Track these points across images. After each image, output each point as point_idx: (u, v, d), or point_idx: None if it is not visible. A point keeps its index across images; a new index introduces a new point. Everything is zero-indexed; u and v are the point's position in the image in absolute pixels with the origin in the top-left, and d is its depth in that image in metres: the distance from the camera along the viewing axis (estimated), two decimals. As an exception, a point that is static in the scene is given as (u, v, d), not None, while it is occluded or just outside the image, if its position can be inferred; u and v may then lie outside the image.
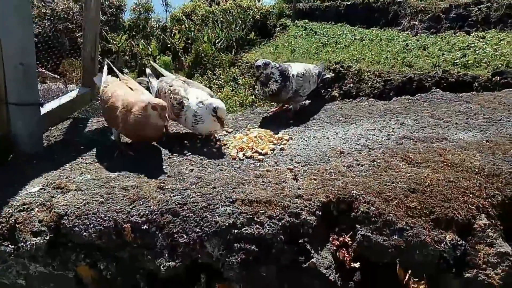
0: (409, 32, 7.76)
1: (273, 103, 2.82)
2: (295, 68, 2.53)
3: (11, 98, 1.90)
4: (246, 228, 1.45)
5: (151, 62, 2.35)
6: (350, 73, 5.97)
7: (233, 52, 8.62)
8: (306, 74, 2.55)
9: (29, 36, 1.92)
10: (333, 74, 5.51)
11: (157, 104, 1.83)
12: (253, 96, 6.14)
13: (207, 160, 1.91)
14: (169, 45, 9.61)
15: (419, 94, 2.91)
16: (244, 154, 1.97)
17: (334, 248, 1.51)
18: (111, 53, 9.74)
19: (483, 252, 1.48)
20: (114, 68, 2.31)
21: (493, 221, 1.55)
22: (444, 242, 1.47)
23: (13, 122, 1.93)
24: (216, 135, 2.18)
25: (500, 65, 5.18)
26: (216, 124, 2.02)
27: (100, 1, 2.96)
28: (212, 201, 1.53)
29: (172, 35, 9.67)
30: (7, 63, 1.85)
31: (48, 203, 1.56)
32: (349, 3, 9.21)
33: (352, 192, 1.60)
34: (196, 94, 2.09)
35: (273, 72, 2.37)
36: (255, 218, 1.47)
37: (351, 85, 5.92)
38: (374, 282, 1.50)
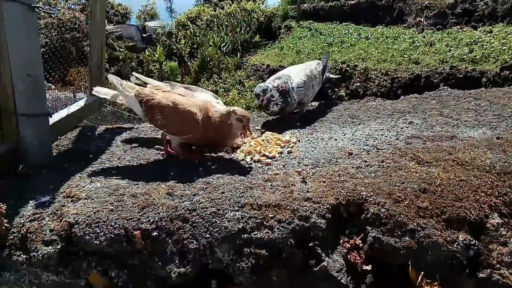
0: (415, 29, 7.70)
1: None
2: (296, 78, 2.50)
3: (20, 109, 1.92)
4: (256, 232, 1.44)
5: (134, 73, 2.33)
6: (357, 72, 5.94)
7: (238, 55, 8.65)
8: (307, 81, 2.53)
9: (36, 47, 1.94)
10: (338, 75, 5.50)
11: (243, 115, 1.87)
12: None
13: (215, 165, 1.91)
14: (175, 51, 9.67)
15: (427, 92, 2.89)
16: (251, 158, 1.96)
17: (345, 250, 1.49)
18: (117, 60, 9.83)
19: (496, 251, 1.45)
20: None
21: (506, 219, 1.53)
22: (457, 242, 1.45)
23: (23, 133, 1.95)
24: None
25: (508, 59, 5.11)
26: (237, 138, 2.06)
27: (105, 10, 2.99)
28: (221, 206, 1.53)
29: (178, 40, 9.73)
30: (15, 74, 1.87)
31: (58, 212, 1.57)
32: (353, 2, 9.18)
33: (362, 193, 1.58)
34: (205, 98, 2.14)
35: (273, 94, 2.40)
36: (265, 222, 1.46)
37: (358, 84, 5.89)
38: (386, 284, 1.49)
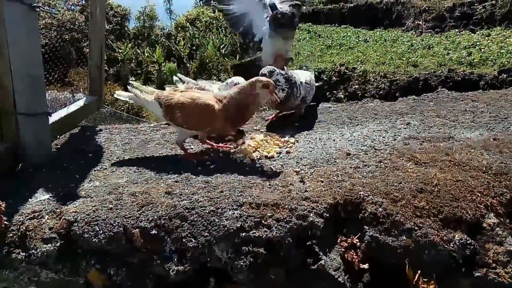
0: (414, 32, 7.75)
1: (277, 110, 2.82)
2: (301, 75, 2.52)
3: (20, 109, 1.93)
4: (254, 231, 1.45)
5: (178, 75, 2.47)
6: (355, 74, 5.97)
7: (237, 57, 8.67)
8: (311, 82, 2.56)
9: (36, 47, 1.96)
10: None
11: (268, 81, 1.92)
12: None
13: (214, 165, 1.92)
14: (174, 52, 9.70)
15: (425, 94, 2.91)
16: (250, 158, 1.97)
17: (343, 249, 1.50)
18: (117, 61, 9.84)
19: (492, 251, 1.46)
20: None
21: (502, 219, 1.54)
22: (453, 242, 1.46)
23: (22, 132, 1.96)
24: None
25: (506, 63, 5.15)
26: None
27: (105, 11, 3.00)
28: (220, 205, 1.54)
29: (177, 42, 9.76)
30: (15, 74, 1.88)
31: (58, 210, 1.58)
32: (352, 5, 9.23)
33: (360, 193, 1.60)
34: (218, 86, 2.38)
35: (279, 79, 2.33)
36: (263, 221, 1.47)
37: (357, 86, 5.92)
38: (383, 283, 1.50)
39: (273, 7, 2.92)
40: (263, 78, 1.94)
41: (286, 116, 2.63)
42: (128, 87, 2.08)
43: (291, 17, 2.94)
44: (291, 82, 2.37)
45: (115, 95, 2.26)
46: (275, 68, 2.36)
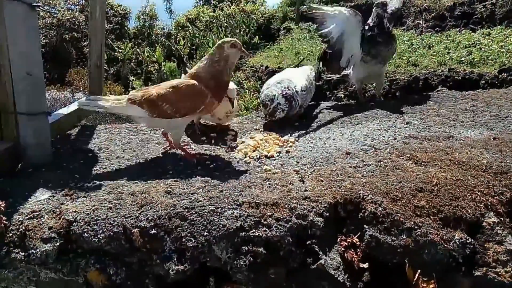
0: (414, 31, 7.73)
1: None
2: (298, 82, 2.51)
3: (20, 108, 1.92)
4: (254, 230, 1.45)
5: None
6: (355, 74, 5.95)
7: (237, 57, 8.65)
8: (308, 86, 2.55)
9: (36, 46, 1.95)
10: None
11: (234, 40, 1.91)
12: (259, 100, 6.17)
13: (214, 164, 1.92)
14: (174, 52, 9.69)
15: (425, 93, 2.90)
16: (250, 157, 1.97)
17: (342, 249, 1.50)
18: (117, 61, 9.84)
19: (492, 250, 1.46)
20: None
21: (502, 218, 1.54)
22: (453, 241, 1.46)
23: (22, 131, 1.95)
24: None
25: (506, 62, 5.12)
26: (228, 104, 2.14)
27: (105, 10, 3.00)
28: (220, 204, 1.54)
29: (177, 41, 9.75)
30: (15, 73, 1.88)
31: (57, 210, 1.58)
32: (352, 4, 9.21)
33: (359, 192, 1.59)
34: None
35: (279, 102, 2.37)
36: (263, 221, 1.47)
37: (355, 86, 5.91)
38: (383, 282, 1.50)
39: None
40: (227, 39, 1.93)
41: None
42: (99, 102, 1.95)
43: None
44: (290, 100, 2.40)
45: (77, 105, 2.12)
46: (275, 94, 2.37)
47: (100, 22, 2.76)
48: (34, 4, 1.87)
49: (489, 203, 1.57)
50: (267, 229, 1.45)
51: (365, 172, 1.75)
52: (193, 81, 1.89)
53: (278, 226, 1.46)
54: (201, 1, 15.49)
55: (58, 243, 1.50)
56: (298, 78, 2.55)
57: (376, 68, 2.77)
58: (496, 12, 7.08)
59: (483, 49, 5.70)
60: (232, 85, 2.08)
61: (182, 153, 2.04)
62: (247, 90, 6.77)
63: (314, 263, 1.43)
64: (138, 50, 10.04)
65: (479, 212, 1.54)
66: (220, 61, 1.89)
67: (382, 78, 2.83)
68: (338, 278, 1.42)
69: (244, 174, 1.80)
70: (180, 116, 1.91)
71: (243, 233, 1.44)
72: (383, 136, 2.14)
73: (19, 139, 1.96)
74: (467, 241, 1.47)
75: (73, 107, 2.63)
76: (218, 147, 2.15)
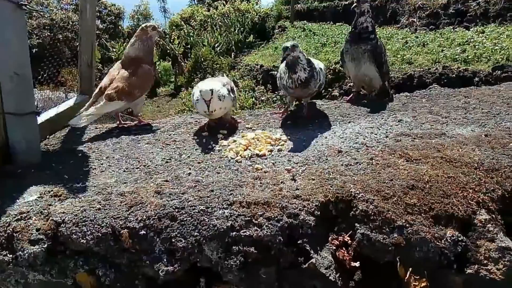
0: (408, 29, 7.74)
1: (295, 99, 2.63)
2: (316, 62, 2.39)
3: (8, 108, 1.90)
4: (245, 230, 1.44)
5: None
6: (350, 72, 5.95)
7: (232, 56, 8.65)
8: (323, 70, 2.48)
9: (24, 46, 1.93)
10: None
11: (152, 23, 2.58)
12: (253, 99, 6.15)
13: (205, 163, 1.90)
14: (168, 51, 9.64)
15: (417, 91, 2.90)
16: (241, 156, 1.96)
17: (334, 247, 1.49)
18: (111, 61, 9.78)
19: (484, 247, 1.46)
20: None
21: (493, 215, 1.53)
22: (445, 239, 1.46)
23: (11, 132, 1.93)
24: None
25: (500, 59, 5.14)
26: (203, 105, 2.18)
27: (95, 10, 2.97)
28: (210, 204, 1.53)
29: (171, 40, 9.70)
30: (3, 73, 1.85)
31: (45, 211, 1.56)
32: (347, 2, 9.20)
33: (351, 190, 1.58)
34: (205, 83, 2.36)
35: (300, 57, 2.20)
36: (253, 220, 1.46)
37: (351, 84, 5.90)
38: (375, 281, 1.49)
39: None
40: (148, 23, 2.53)
41: (289, 115, 2.59)
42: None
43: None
44: (311, 65, 2.27)
45: (70, 123, 2.32)
46: (299, 45, 2.21)
47: (90, 19, 2.73)
48: (22, 3, 1.84)
49: (481, 200, 1.57)
50: (258, 229, 1.44)
51: (356, 170, 1.74)
52: (145, 66, 2.44)
53: (269, 225, 1.45)
54: (195, 0, 15.45)
55: (46, 245, 1.48)
56: (315, 60, 2.42)
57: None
58: (489, 9, 7.09)
59: (477, 46, 5.71)
60: (204, 88, 2.19)
61: (140, 122, 2.58)
62: (242, 89, 6.74)
63: (305, 262, 1.42)
64: (132, 49, 9.98)
65: (470, 209, 1.54)
66: (148, 41, 2.47)
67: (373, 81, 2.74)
68: (330, 277, 1.41)
69: (235, 173, 1.78)
70: (144, 93, 2.53)
71: (234, 233, 1.43)
72: (375, 134, 2.13)
73: (8, 139, 1.93)
74: (459, 238, 1.46)
75: (63, 106, 2.60)
76: (210, 146, 2.13)
